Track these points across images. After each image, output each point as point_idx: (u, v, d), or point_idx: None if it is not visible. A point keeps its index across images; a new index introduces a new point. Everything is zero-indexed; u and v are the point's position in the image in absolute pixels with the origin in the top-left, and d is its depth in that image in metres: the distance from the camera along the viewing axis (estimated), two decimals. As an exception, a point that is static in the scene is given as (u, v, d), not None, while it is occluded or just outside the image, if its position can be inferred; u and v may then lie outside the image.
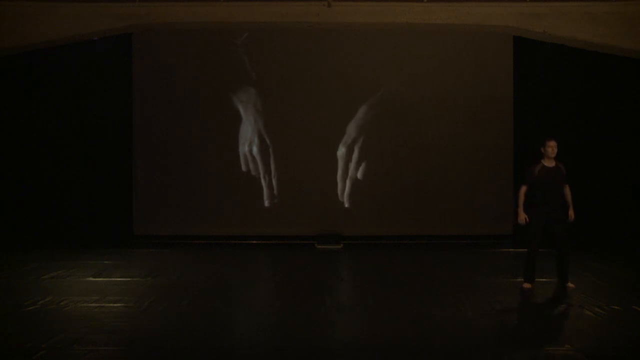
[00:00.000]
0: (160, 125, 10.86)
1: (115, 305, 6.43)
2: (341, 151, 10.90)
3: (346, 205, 10.90)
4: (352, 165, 10.91)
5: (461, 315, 6.09)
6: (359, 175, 10.90)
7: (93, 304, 6.43)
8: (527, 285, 7.12)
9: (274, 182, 10.90)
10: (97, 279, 7.75)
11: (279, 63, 10.89)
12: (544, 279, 7.54)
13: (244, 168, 10.90)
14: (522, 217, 7.06)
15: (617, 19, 9.68)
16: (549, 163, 7.07)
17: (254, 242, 10.76)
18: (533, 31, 10.06)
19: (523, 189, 7.15)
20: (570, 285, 7.07)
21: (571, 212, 7.10)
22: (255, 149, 10.92)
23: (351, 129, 10.89)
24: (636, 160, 10.33)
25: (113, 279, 7.78)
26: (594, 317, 5.95)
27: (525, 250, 7.21)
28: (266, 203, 10.89)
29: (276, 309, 6.57)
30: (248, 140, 10.92)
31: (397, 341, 5.30)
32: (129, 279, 7.74)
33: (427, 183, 10.82)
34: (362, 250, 10.17)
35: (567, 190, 7.12)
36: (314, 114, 10.88)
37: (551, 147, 7.04)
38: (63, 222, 10.58)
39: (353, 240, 10.67)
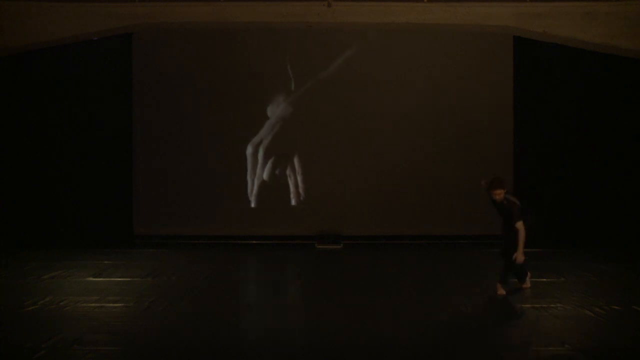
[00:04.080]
0: (160, 125, 10.85)
1: (115, 305, 6.42)
2: (340, 150, 10.90)
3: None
4: (350, 164, 10.91)
5: (461, 315, 6.08)
6: (359, 174, 10.89)
7: (93, 304, 6.43)
8: (525, 286, 7.11)
9: (290, 183, 10.91)
10: (97, 279, 7.75)
11: (279, 63, 10.88)
12: (544, 279, 7.55)
13: (245, 168, 10.90)
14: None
15: (617, 19, 9.69)
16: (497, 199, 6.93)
17: (254, 242, 10.76)
18: (533, 31, 10.07)
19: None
20: (500, 292, 6.86)
21: (517, 254, 6.73)
22: (255, 150, 10.91)
23: (350, 129, 10.87)
24: (636, 160, 10.33)
25: (113, 279, 7.78)
26: (594, 317, 5.94)
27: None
28: (294, 202, 10.90)
29: (276, 308, 6.58)
30: (248, 141, 10.91)
31: (397, 341, 5.30)
32: (129, 279, 7.74)
33: (427, 183, 10.81)
34: (362, 250, 10.18)
35: (516, 228, 6.80)
36: (313, 114, 10.88)
37: (495, 196, 6.89)
38: (63, 222, 10.56)
39: (353, 240, 10.66)
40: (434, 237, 10.80)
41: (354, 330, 5.61)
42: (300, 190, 10.92)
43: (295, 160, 10.92)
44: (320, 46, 10.89)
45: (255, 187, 10.89)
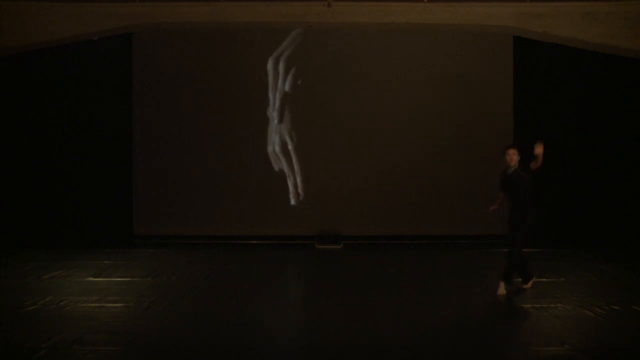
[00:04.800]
0: (160, 125, 10.86)
1: (115, 305, 6.42)
2: (340, 150, 10.89)
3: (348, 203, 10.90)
4: (350, 164, 10.90)
5: (461, 315, 6.08)
6: (359, 174, 10.89)
7: (93, 304, 6.43)
8: (527, 286, 7.11)
9: (289, 182, 10.91)
10: (97, 279, 7.75)
11: (279, 62, 10.88)
12: (544, 279, 7.54)
13: (245, 168, 10.90)
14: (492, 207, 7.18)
15: (617, 19, 9.69)
16: (509, 170, 7.01)
17: (254, 242, 10.76)
18: (533, 31, 10.07)
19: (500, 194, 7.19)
20: (501, 291, 6.84)
21: (535, 162, 6.83)
22: (255, 150, 10.91)
23: (350, 129, 10.87)
24: (636, 160, 10.33)
25: (113, 279, 7.78)
26: (594, 317, 5.95)
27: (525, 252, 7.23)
28: (293, 202, 10.89)
29: (276, 308, 6.58)
30: (248, 141, 10.90)
31: (397, 341, 5.30)
32: (129, 279, 7.74)
33: (427, 183, 10.81)
34: (362, 250, 10.18)
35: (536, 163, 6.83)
36: (313, 113, 10.87)
37: (509, 155, 6.96)
38: (63, 222, 10.56)
39: (353, 240, 10.66)
40: (434, 237, 10.80)
41: (354, 330, 5.61)
42: (300, 190, 10.91)
43: (295, 160, 10.92)
44: (320, 46, 10.89)
45: (278, 101, 10.84)
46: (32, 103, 10.58)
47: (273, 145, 10.89)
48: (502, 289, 6.87)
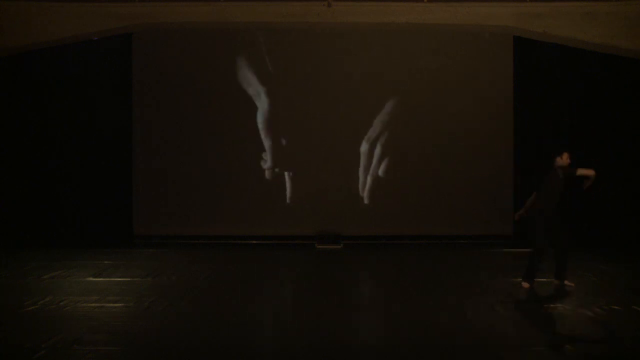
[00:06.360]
0: (160, 125, 10.86)
1: (115, 305, 6.43)
2: (339, 150, 10.90)
3: (366, 202, 10.90)
4: (350, 164, 10.90)
5: (461, 316, 6.08)
6: (360, 175, 10.90)
7: (93, 304, 6.43)
8: (525, 285, 7.14)
9: (287, 181, 10.91)
10: (97, 279, 7.75)
11: (279, 63, 10.88)
12: (544, 279, 7.54)
13: (245, 168, 10.90)
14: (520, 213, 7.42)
15: (617, 19, 9.68)
16: (559, 169, 7.27)
17: (254, 242, 10.76)
18: (533, 31, 10.06)
19: (534, 195, 7.37)
20: (569, 283, 7.18)
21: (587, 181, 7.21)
22: (255, 150, 10.90)
23: (349, 130, 10.87)
24: (636, 160, 10.32)
25: (113, 279, 7.78)
26: (594, 317, 5.95)
27: (527, 250, 7.28)
28: (289, 200, 10.88)
29: (276, 309, 6.58)
30: (248, 141, 10.90)
31: (397, 341, 5.30)
32: (129, 279, 7.74)
33: (427, 183, 10.81)
34: (362, 250, 10.18)
35: (582, 171, 7.26)
36: (313, 114, 10.87)
37: (567, 156, 7.33)
38: (63, 222, 10.56)
39: (353, 240, 10.66)
40: (434, 237, 10.80)
41: (354, 330, 5.61)
42: (297, 189, 10.89)
43: (293, 159, 10.91)
44: (320, 46, 10.89)
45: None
46: (32, 103, 10.58)
47: (250, 146, 10.88)
48: (568, 282, 7.19)
